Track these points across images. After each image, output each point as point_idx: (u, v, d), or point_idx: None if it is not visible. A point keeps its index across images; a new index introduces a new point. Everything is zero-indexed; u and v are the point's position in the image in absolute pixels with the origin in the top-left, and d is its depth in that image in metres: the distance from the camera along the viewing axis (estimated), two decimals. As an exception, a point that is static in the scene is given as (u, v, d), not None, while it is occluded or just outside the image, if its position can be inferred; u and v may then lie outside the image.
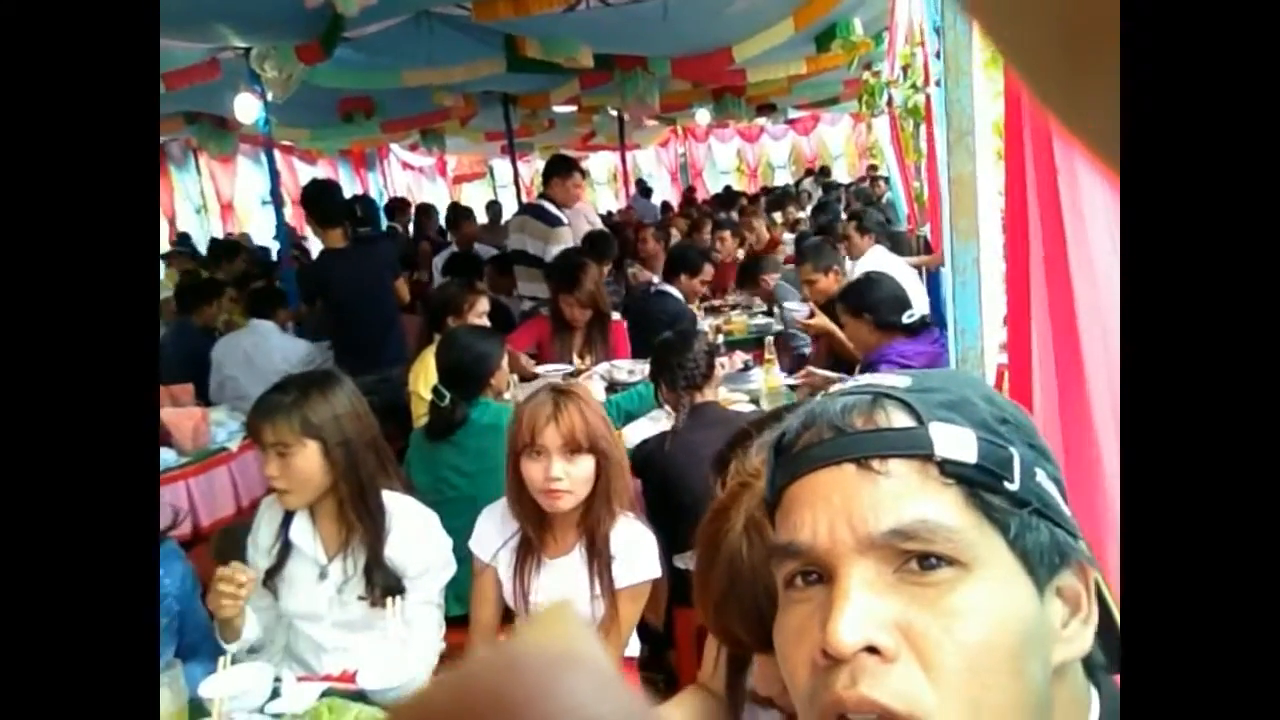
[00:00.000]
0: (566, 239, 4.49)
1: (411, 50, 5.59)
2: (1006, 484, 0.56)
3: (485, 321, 3.34)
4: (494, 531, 1.90)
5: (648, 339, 3.18)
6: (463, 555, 1.96)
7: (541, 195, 4.83)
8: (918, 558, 0.54)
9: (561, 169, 4.72)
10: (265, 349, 4.03)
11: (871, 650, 0.53)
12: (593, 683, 0.26)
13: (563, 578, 1.84)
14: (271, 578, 1.86)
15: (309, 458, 1.76)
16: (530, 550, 1.85)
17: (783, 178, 13.76)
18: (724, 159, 16.00)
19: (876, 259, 4.12)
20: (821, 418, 0.60)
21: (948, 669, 0.52)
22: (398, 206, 9.81)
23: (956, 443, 0.56)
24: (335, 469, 1.78)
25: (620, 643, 1.84)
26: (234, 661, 1.71)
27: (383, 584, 1.80)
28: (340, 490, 1.80)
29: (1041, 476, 0.58)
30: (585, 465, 1.76)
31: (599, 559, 1.81)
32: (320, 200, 4.11)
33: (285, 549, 1.86)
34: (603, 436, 1.79)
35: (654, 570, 1.86)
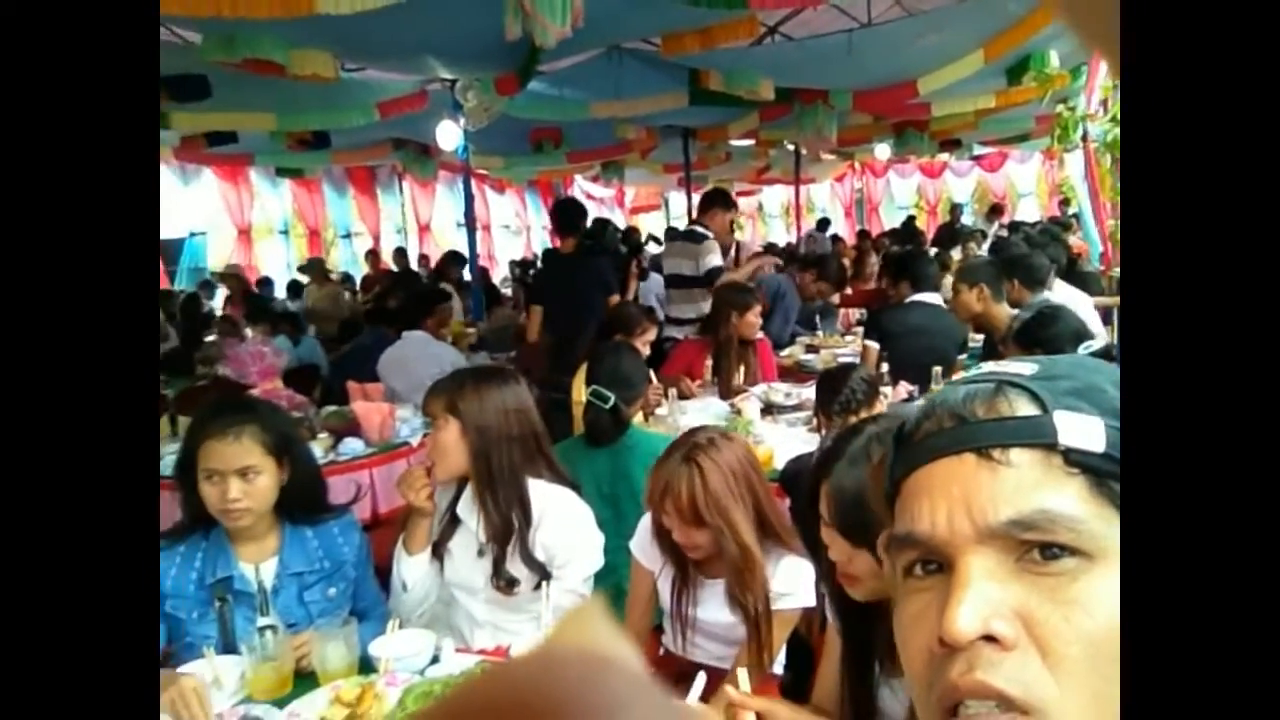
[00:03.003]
0: (716, 250, 4.68)
1: (600, 83, 5.89)
2: None
3: (647, 349, 3.49)
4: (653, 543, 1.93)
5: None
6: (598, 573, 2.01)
7: (694, 222, 5.06)
8: (1039, 547, 0.53)
9: (722, 202, 4.97)
10: (419, 357, 4.27)
11: (990, 639, 0.52)
12: (628, 685, 0.26)
13: (718, 596, 1.86)
14: (439, 548, 2.01)
15: (449, 434, 1.91)
16: (687, 571, 1.89)
17: (967, 217, 13.22)
18: (903, 195, 15.59)
19: (1061, 293, 3.86)
20: (942, 406, 0.59)
21: (1068, 659, 0.51)
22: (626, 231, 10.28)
23: (1082, 431, 0.54)
24: (470, 451, 1.91)
25: (768, 662, 1.83)
26: (400, 627, 1.87)
27: (507, 577, 1.91)
28: (476, 472, 1.93)
29: None
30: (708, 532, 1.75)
31: (747, 589, 1.79)
32: (566, 211, 5.04)
33: (453, 522, 2.01)
34: (724, 506, 1.72)
35: (808, 601, 1.83)
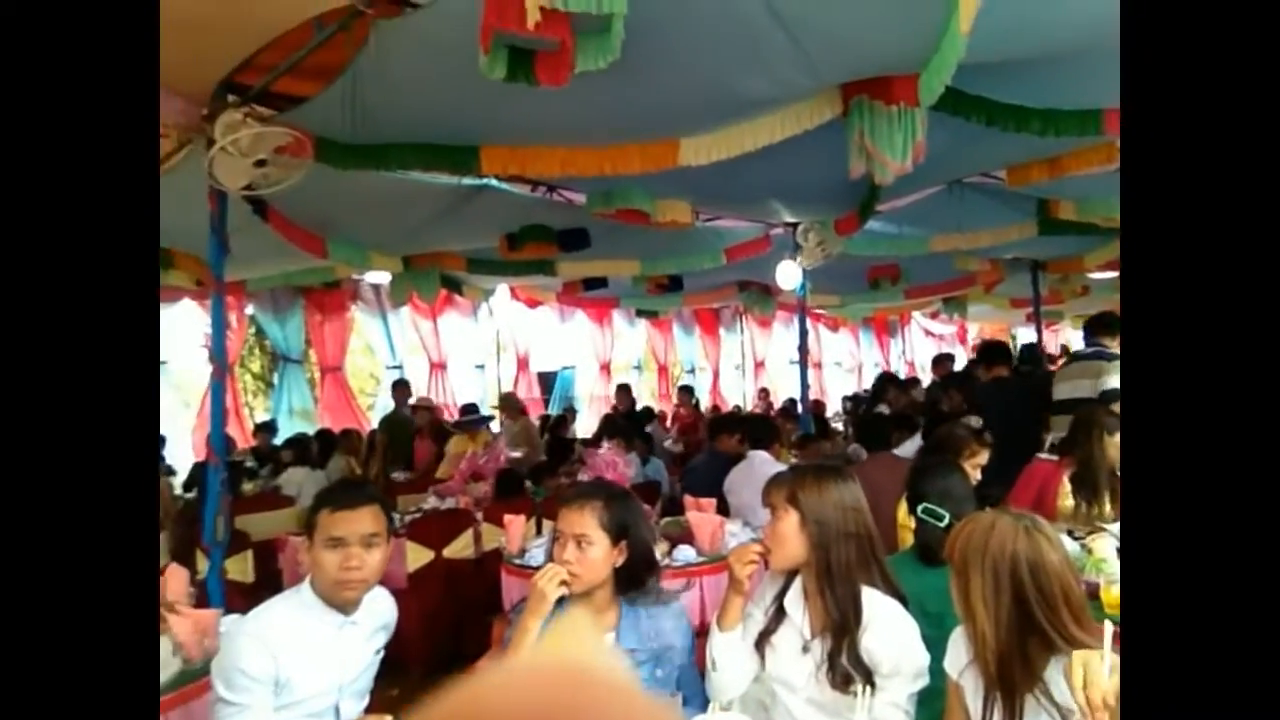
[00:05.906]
0: (1118, 372, 4.50)
1: (940, 217, 5.90)
2: None
3: (977, 474, 3.38)
4: (962, 652, 1.88)
5: None
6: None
7: (1091, 342, 5.04)
8: None
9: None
10: (761, 475, 4.48)
11: None
12: (612, 694, 0.26)
13: (1032, 711, 1.72)
14: (763, 641, 2.09)
15: (788, 524, 2.03)
16: (993, 679, 1.78)
17: None
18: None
19: None
20: None
21: None
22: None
23: None
24: (809, 542, 2.00)
25: None
26: (720, 709, 1.96)
27: (842, 672, 1.91)
28: (812, 565, 1.99)
29: None
30: None
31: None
32: (992, 348, 6.60)
33: (778, 614, 2.09)
34: (965, 560, 1.71)
35: None
